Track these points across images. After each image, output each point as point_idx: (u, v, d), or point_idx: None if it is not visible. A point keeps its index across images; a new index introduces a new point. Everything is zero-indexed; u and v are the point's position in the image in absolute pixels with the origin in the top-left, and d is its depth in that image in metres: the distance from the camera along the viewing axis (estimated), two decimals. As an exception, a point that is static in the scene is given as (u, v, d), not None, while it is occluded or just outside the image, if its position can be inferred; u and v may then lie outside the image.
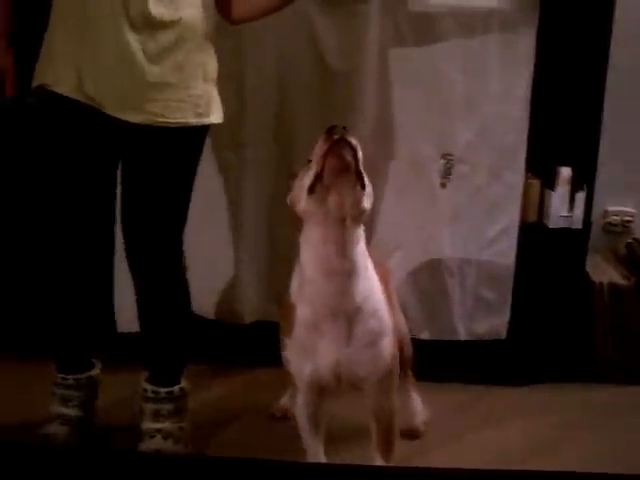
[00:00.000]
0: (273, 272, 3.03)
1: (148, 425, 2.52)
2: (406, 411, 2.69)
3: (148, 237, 2.40)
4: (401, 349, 2.56)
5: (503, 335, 3.09)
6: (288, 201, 2.18)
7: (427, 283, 3.05)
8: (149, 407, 2.53)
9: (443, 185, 2.97)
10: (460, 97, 2.93)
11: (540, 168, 3.04)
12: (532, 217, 3.06)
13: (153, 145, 2.32)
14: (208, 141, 2.90)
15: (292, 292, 2.16)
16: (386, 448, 2.25)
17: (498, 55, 2.91)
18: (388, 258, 2.98)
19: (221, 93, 2.85)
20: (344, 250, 2.02)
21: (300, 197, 2.06)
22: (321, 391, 2.21)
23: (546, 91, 2.95)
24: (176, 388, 2.54)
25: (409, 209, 2.99)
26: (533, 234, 3.06)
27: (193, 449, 2.55)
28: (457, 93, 2.92)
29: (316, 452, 2.28)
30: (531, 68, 2.92)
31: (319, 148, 1.99)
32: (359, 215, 2.02)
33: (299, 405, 2.25)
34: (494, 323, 3.08)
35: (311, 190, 2.00)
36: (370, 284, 2.11)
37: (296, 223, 2.90)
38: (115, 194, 2.43)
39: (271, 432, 2.69)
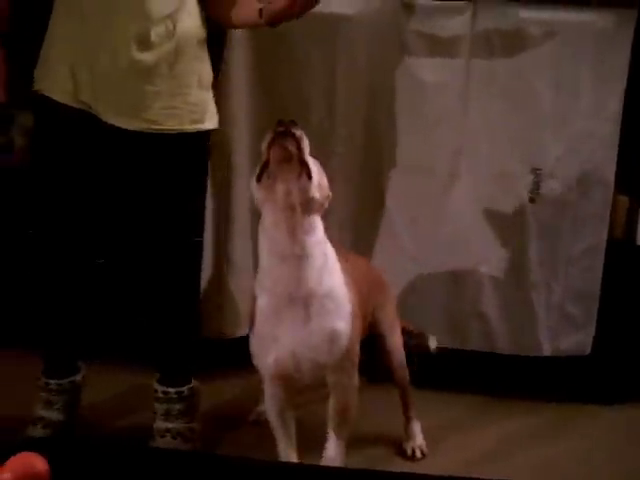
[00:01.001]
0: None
1: (159, 425, 2.58)
2: (403, 434, 2.70)
3: (154, 240, 2.44)
4: (394, 370, 2.63)
5: (588, 352, 3.05)
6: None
7: (512, 298, 3.02)
8: (160, 407, 2.58)
9: (532, 200, 2.95)
10: (550, 112, 2.91)
11: (629, 185, 3.01)
12: (620, 234, 3.03)
13: (150, 152, 2.34)
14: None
15: (255, 286, 2.21)
16: (340, 426, 2.27)
17: (590, 69, 2.88)
18: (474, 272, 2.99)
19: (310, 103, 2.94)
20: (294, 236, 2.08)
21: (254, 188, 2.13)
22: (286, 382, 2.25)
23: (637, 107, 2.92)
24: (185, 388, 2.59)
25: (497, 223, 2.98)
26: (621, 251, 3.02)
27: (202, 448, 2.59)
28: (547, 107, 2.90)
29: (285, 449, 2.30)
30: (624, 83, 2.89)
31: (265, 140, 2.08)
32: (307, 203, 2.08)
33: (267, 400, 2.30)
34: (579, 339, 3.05)
35: (259, 179, 2.09)
36: (328, 272, 2.16)
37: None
38: (112, 199, 2.46)
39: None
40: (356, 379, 2.27)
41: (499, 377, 3.05)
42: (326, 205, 2.17)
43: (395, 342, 2.61)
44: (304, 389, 2.34)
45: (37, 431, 2.55)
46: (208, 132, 2.44)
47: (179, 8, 2.31)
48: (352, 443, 2.35)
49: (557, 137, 2.92)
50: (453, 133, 2.94)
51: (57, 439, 2.45)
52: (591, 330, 3.04)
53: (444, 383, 2.99)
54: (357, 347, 2.26)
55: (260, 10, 2.32)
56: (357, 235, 3.04)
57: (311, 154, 2.92)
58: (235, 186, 2.97)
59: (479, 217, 2.98)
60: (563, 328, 3.05)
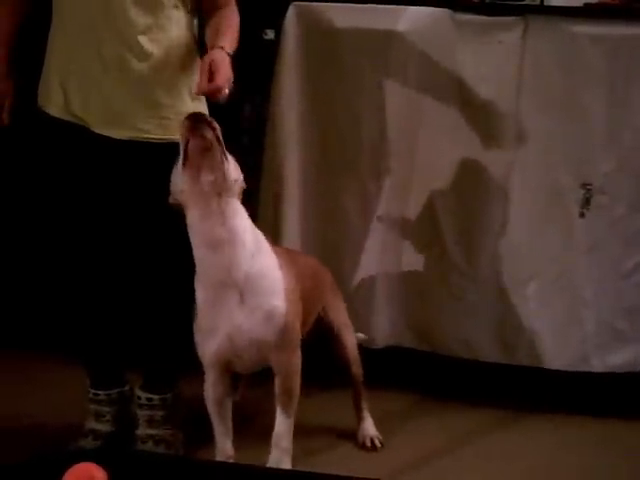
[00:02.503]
0: (408, 297, 3.07)
1: (142, 431, 2.61)
2: (358, 426, 2.76)
3: (142, 245, 2.49)
4: (350, 366, 2.69)
5: (638, 368, 3.02)
6: (171, 200, 2.25)
7: (561, 313, 3.00)
8: (143, 414, 2.61)
9: (582, 215, 2.93)
10: (601, 127, 2.89)
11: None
12: (671, 249, 3.01)
13: (139, 162, 2.38)
14: (347, 170, 3.00)
15: (194, 281, 2.25)
16: (286, 404, 2.34)
17: (642, 84, 2.87)
18: (523, 287, 2.98)
19: (361, 120, 2.95)
20: (223, 221, 2.15)
21: (176, 184, 2.19)
22: (227, 368, 2.32)
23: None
24: (169, 395, 2.62)
25: (546, 238, 2.97)
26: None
27: (186, 454, 2.60)
28: (598, 122, 2.89)
29: (222, 435, 2.38)
30: (676, 97, 2.86)
31: (181, 130, 2.15)
32: (230, 187, 2.15)
33: (206, 388, 2.36)
34: (629, 355, 3.01)
35: (184, 171, 2.15)
36: (260, 255, 2.23)
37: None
38: (116, 207, 2.49)
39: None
40: (297, 358, 2.34)
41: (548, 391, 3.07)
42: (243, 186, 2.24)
43: (350, 339, 2.70)
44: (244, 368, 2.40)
45: (88, 443, 2.60)
46: None
47: (164, 20, 2.35)
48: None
49: (608, 152, 2.90)
50: (504, 148, 2.94)
51: (111, 450, 2.48)
52: (642, 346, 3.02)
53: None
54: (297, 326, 2.32)
55: None
56: (407, 247, 3.05)
57: (363, 169, 2.97)
58: (285, 202, 2.99)
59: (529, 232, 2.97)
60: (613, 344, 3.01)
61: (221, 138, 2.14)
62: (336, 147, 2.98)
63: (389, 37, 2.88)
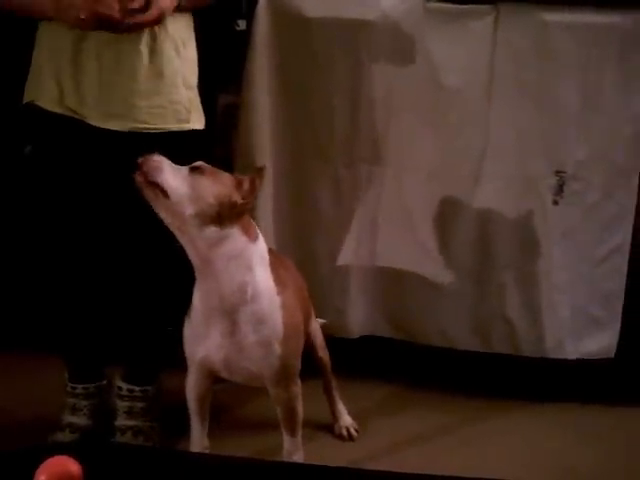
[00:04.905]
0: (383, 286, 3.07)
1: (120, 422, 2.61)
2: (332, 416, 2.79)
3: (130, 238, 2.48)
4: (316, 351, 2.68)
5: (612, 354, 3.04)
6: None
7: (536, 301, 3.01)
8: (123, 405, 2.61)
9: (555, 202, 2.94)
10: (574, 114, 2.89)
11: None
12: (644, 235, 3.02)
13: (137, 153, 2.30)
14: (320, 158, 2.99)
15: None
16: (291, 428, 2.36)
17: (615, 71, 2.87)
18: (498, 275, 2.99)
19: (334, 109, 2.94)
20: (198, 251, 2.10)
21: None
22: (211, 374, 2.31)
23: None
24: (151, 387, 2.63)
25: (520, 225, 2.97)
26: (646, 252, 3.01)
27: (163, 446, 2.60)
28: (571, 110, 2.89)
29: (198, 433, 2.39)
30: (649, 84, 2.88)
31: None
32: (185, 220, 2.07)
33: (188, 385, 2.35)
34: (604, 342, 3.04)
35: None
36: (254, 288, 2.14)
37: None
38: (108, 200, 2.47)
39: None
40: (297, 387, 2.32)
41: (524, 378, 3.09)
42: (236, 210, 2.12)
43: (316, 326, 2.68)
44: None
45: (65, 436, 2.58)
46: (196, 133, 2.44)
47: None
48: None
49: (581, 139, 2.91)
50: (476, 136, 2.94)
51: (86, 443, 2.47)
52: (616, 333, 3.03)
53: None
54: (294, 363, 2.29)
55: None
56: (380, 238, 3.05)
57: (336, 157, 2.96)
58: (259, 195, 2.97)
59: (502, 220, 2.97)
60: (587, 330, 3.04)
61: (153, 175, 2.07)
62: (309, 135, 2.96)
63: (361, 25, 2.86)
